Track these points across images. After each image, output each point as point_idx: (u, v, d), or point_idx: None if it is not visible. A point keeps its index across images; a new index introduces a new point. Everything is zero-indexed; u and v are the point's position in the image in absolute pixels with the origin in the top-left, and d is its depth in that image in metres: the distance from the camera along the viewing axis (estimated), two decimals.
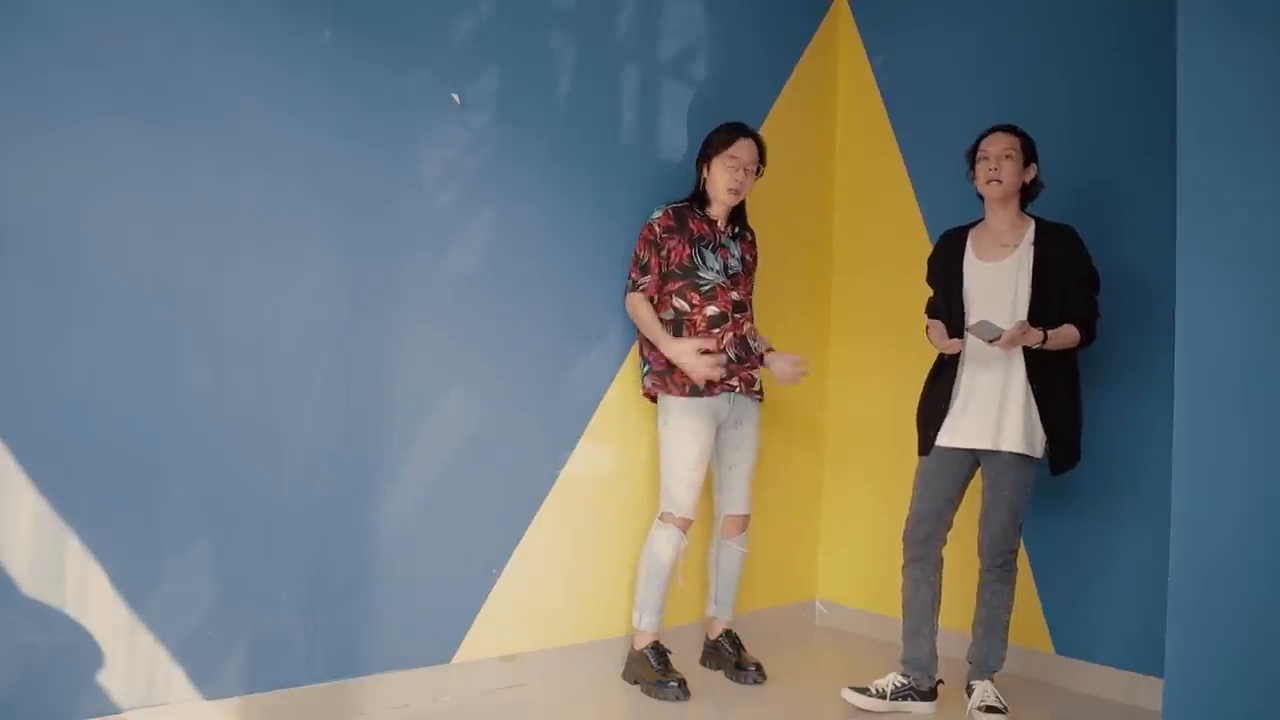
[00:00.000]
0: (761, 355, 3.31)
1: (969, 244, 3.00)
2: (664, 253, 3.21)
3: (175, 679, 2.47)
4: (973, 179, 2.99)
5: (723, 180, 3.22)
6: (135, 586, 2.41)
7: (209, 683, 2.52)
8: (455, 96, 2.96)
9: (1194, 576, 2.21)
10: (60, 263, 2.32)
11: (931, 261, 3.14)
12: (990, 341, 2.76)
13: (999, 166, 2.89)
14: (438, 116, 2.94)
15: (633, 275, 3.23)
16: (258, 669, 2.60)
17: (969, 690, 2.93)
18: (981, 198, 2.99)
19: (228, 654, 2.56)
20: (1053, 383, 2.85)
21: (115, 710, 2.38)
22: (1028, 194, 2.97)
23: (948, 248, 3.07)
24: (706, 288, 3.21)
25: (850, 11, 4.11)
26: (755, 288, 3.42)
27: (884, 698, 2.91)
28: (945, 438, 2.95)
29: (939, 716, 2.96)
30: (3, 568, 2.24)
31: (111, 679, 2.38)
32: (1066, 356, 2.89)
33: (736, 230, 3.33)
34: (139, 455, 2.42)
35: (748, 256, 3.34)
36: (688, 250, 3.21)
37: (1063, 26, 3.40)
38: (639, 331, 3.26)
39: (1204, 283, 2.23)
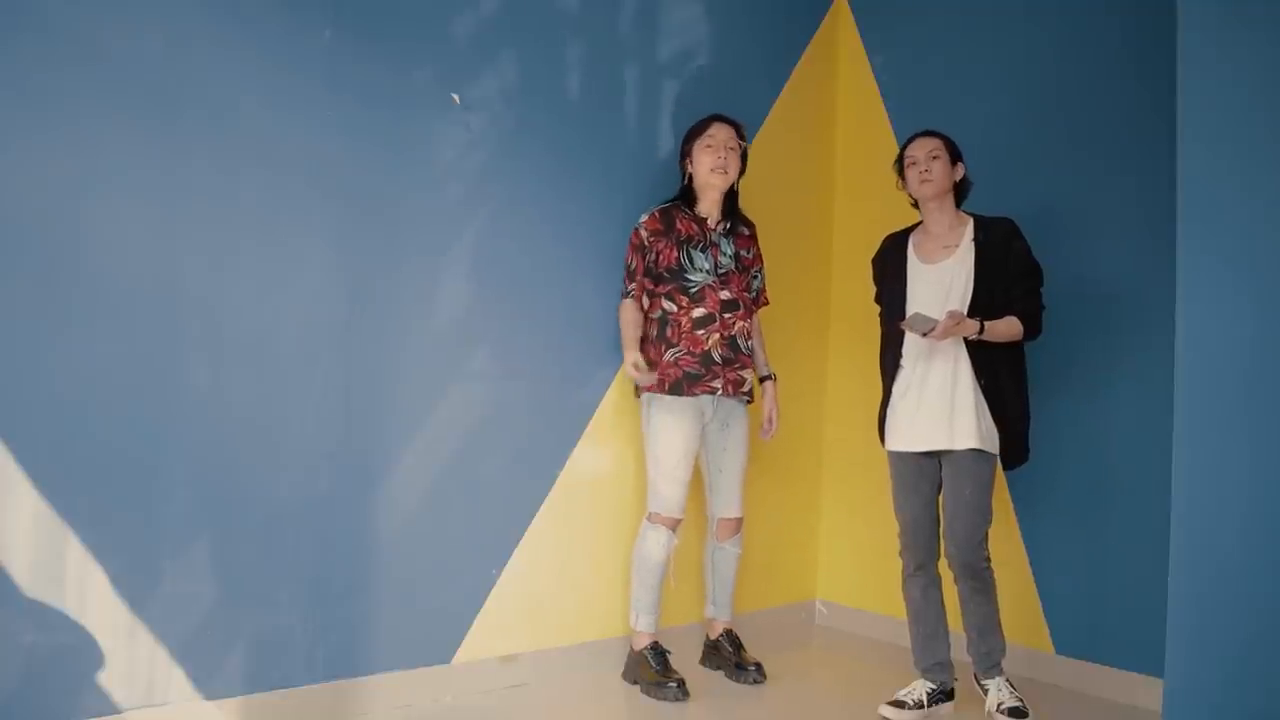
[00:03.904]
0: (761, 377, 3.35)
1: (911, 247, 3.01)
2: (652, 256, 3.19)
3: (175, 679, 2.47)
4: (904, 187, 3.02)
5: (705, 162, 3.20)
6: (135, 586, 2.42)
7: (209, 683, 2.52)
8: (455, 96, 2.97)
9: (1194, 576, 2.20)
10: (60, 263, 2.32)
11: (875, 265, 3.15)
12: (925, 334, 2.76)
13: (929, 167, 2.92)
14: (438, 117, 2.94)
15: (625, 283, 3.23)
16: (258, 669, 2.60)
17: (983, 689, 2.93)
18: (917, 205, 3.02)
19: (228, 654, 2.56)
20: (998, 377, 2.85)
21: (115, 710, 2.38)
22: (960, 193, 2.99)
23: (890, 252, 3.07)
24: (694, 289, 3.17)
25: (850, 11, 4.11)
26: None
27: (921, 707, 2.92)
28: (905, 442, 2.95)
29: (956, 714, 2.97)
30: (3, 568, 2.25)
31: (111, 679, 2.38)
32: (1011, 350, 2.90)
33: (729, 226, 3.28)
34: (139, 455, 2.42)
35: (744, 252, 3.29)
36: (676, 253, 3.18)
37: (1061, 26, 3.40)
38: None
39: (1204, 283, 2.22)
